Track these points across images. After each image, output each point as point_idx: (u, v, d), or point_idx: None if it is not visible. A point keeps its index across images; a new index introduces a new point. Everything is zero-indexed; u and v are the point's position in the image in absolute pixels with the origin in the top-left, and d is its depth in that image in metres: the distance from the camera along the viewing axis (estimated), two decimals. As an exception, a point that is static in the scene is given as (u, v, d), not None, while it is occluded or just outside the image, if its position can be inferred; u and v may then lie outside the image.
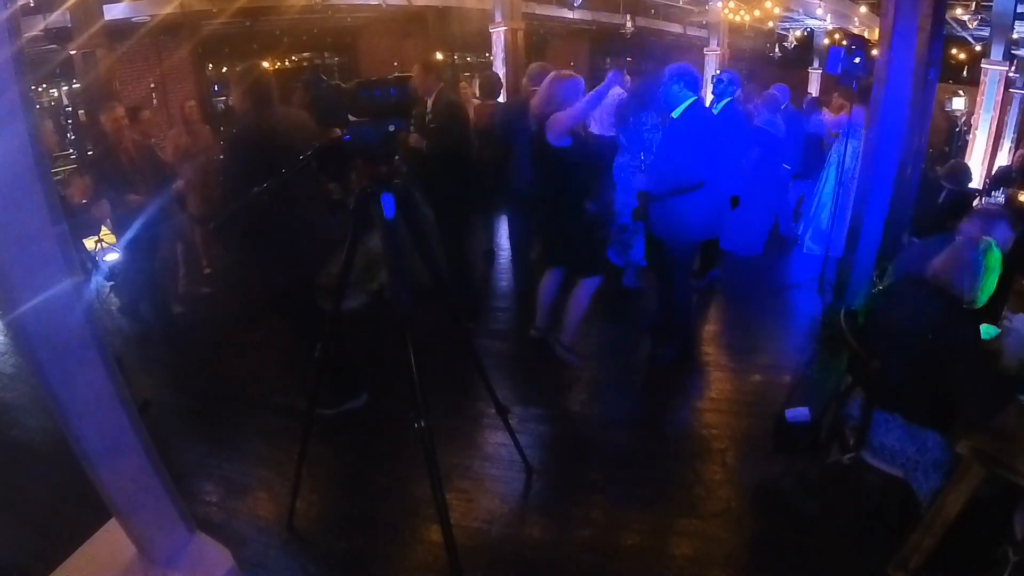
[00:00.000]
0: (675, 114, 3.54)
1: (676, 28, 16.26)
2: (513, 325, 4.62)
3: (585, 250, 3.64)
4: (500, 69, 7.81)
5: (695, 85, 3.57)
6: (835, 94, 7.16)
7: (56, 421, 1.63)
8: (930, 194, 4.58)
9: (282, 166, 2.70)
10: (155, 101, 9.45)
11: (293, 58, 11.70)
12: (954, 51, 14.36)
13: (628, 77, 5.61)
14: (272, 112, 3.03)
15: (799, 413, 2.61)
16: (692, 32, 16.16)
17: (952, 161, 5.12)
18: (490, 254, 5.92)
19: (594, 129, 4.97)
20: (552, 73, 3.48)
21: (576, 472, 3.00)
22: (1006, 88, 10.27)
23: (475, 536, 2.57)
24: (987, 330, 2.49)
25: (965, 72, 14.69)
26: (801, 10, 14.31)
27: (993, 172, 9.97)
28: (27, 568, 2.37)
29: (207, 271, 5.69)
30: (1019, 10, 9.53)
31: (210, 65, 10.75)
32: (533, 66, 4.66)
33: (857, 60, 4.39)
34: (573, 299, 3.69)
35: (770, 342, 4.45)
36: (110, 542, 1.93)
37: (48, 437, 3.17)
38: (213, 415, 3.53)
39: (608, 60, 15.78)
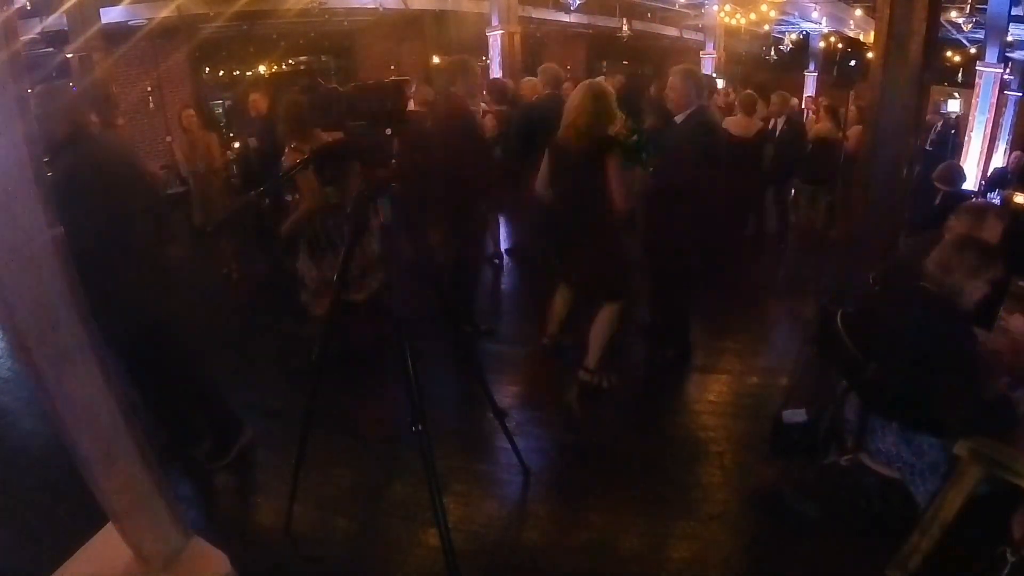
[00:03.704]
0: (679, 119, 3.52)
1: (672, 31, 16.33)
2: (512, 329, 4.62)
3: (616, 274, 3.45)
4: (497, 72, 7.83)
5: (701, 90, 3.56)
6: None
7: (52, 425, 1.62)
8: (926, 196, 4.59)
9: (121, 196, 2.47)
10: (152, 104, 9.44)
11: (290, 62, 11.70)
12: (949, 54, 14.42)
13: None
14: (95, 134, 2.69)
15: (796, 415, 2.61)
16: (688, 35, 16.22)
17: (946, 163, 5.12)
18: (496, 258, 5.92)
19: None
20: (587, 83, 3.30)
21: (574, 475, 3.00)
22: (1001, 90, 10.33)
23: (473, 540, 2.56)
24: None
25: (960, 75, 14.76)
26: (797, 13, 14.38)
27: (988, 174, 10.03)
28: (23, 573, 2.36)
29: (226, 273, 5.68)
30: (1013, 13, 9.59)
31: (207, 69, 10.75)
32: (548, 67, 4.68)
33: (852, 63, 4.42)
34: (595, 329, 3.49)
35: (767, 344, 4.46)
36: (106, 546, 1.93)
37: (44, 441, 3.15)
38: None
39: (604, 63, 15.82)
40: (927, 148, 10.29)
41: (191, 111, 5.71)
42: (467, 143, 3.88)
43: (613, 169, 3.14)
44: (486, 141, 4.36)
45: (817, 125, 6.88)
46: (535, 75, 5.76)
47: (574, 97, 3.26)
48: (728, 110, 6.16)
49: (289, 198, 5.86)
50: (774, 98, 6.35)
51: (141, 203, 2.70)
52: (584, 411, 3.53)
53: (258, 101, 5.80)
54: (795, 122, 6.31)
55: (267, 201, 5.16)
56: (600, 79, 3.45)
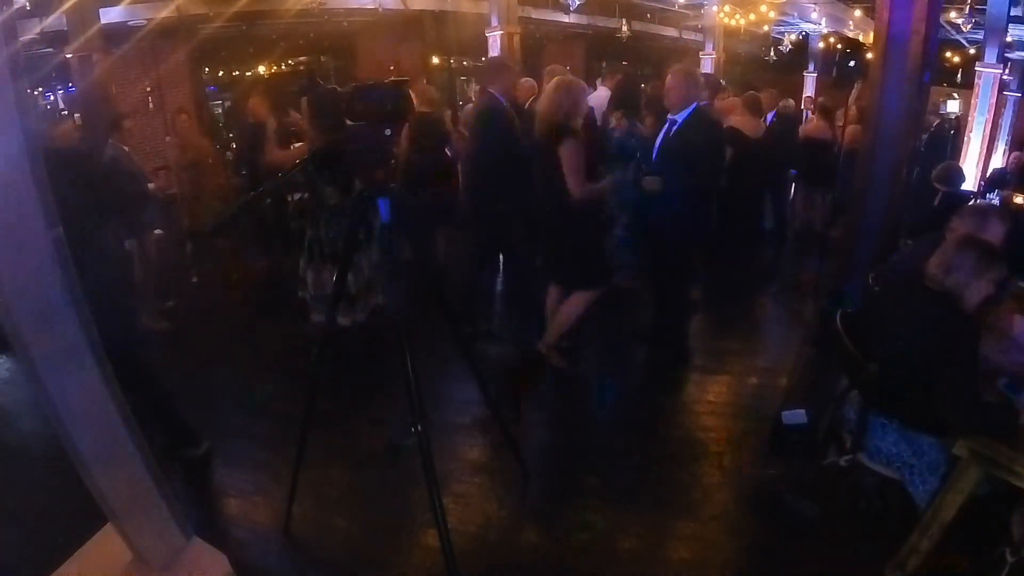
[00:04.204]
0: (678, 118, 3.52)
1: (672, 32, 16.31)
2: (511, 329, 4.62)
3: (584, 264, 3.54)
4: (496, 73, 7.81)
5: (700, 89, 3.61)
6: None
7: (52, 425, 1.62)
8: (924, 197, 4.60)
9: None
10: (151, 105, 9.43)
11: (289, 62, 11.68)
12: (948, 54, 14.42)
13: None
14: None
15: (796, 415, 2.61)
16: (688, 36, 16.20)
17: (945, 163, 5.13)
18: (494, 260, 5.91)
19: None
20: (557, 79, 3.40)
21: (573, 476, 3.00)
22: (1000, 91, 10.32)
23: (472, 540, 2.56)
24: None
25: (959, 75, 14.77)
26: (796, 14, 14.36)
27: (988, 174, 10.02)
28: (23, 573, 2.36)
29: (194, 280, 5.67)
30: (1012, 13, 9.59)
31: (206, 69, 10.73)
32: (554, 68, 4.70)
33: (852, 63, 4.42)
34: (566, 304, 3.61)
35: (766, 345, 4.46)
36: (106, 547, 1.93)
37: (44, 441, 3.15)
38: (209, 420, 3.52)
39: (604, 64, 15.81)
40: (920, 149, 10.29)
41: (185, 116, 5.70)
42: (504, 140, 3.93)
43: (565, 154, 3.21)
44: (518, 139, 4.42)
45: (809, 124, 6.93)
46: (534, 75, 5.76)
47: (544, 90, 3.39)
48: (729, 111, 6.16)
49: (290, 198, 5.86)
50: (763, 95, 6.40)
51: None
52: (583, 412, 3.54)
53: (257, 105, 5.80)
54: (787, 118, 6.39)
55: (268, 201, 5.16)
56: (571, 75, 3.50)
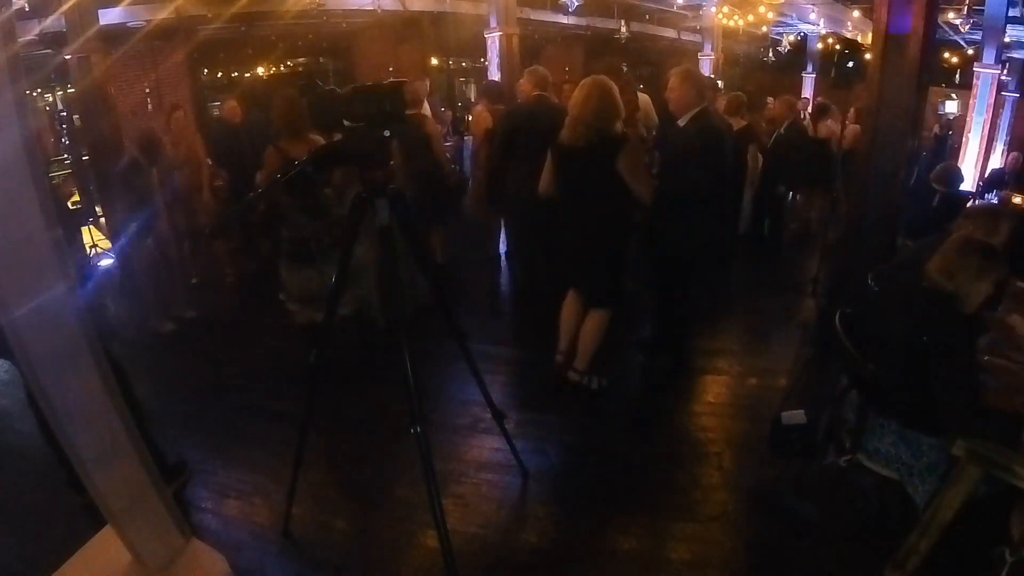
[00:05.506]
0: (681, 122, 3.41)
1: (670, 33, 16.34)
2: (511, 330, 4.62)
3: (613, 280, 3.41)
4: (495, 74, 7.83)
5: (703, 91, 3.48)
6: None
7: (51, 426, 1.62)
8: (923, 197, 4.60)
9: None
10: (150, 106, 9.43)
11: (288, 63, 11.71)
12: (946, 55, 14.46)
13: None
14: None
15: (795, 415, 2.61)
16: (686, 37, 16.23)
17: (944, 164, 5.13)
18: (494, 260, 5.92)
19: None
20: (589, 79, 3.21)
21: (572, 476, 3.00)
22: (998, 91, 10.33)
23: (472, 541, 2.56)
24: None
25: (958, 76, 14.80)
26: (795, 15, 14.39)
27: (986, 175, 10.05)
28: (22, 574, 2.36)
29: (194, 281, 5.65)
30: (1011, 14, 9.60)
31: (205, 70, 10.74)
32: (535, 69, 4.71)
33: (850, 64, 4.42)
34: (585, 332, 3.48)
35: (765, 345, 4.45)
36: (105, 548, 1.92)
37: (43, 442, 3.14)
38: (208, 421, 3.52)
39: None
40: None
41: (180, 113, 5.63)
42: None
43: (630, 166, 3.09)
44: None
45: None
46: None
47: (578, 94, 3.17)
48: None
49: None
50: (777, 102, 6.26)
51: None
52: (582, 413, 3.53)
53: (234, 109, 5.71)
54: (795, 130, 6.25)
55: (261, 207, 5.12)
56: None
